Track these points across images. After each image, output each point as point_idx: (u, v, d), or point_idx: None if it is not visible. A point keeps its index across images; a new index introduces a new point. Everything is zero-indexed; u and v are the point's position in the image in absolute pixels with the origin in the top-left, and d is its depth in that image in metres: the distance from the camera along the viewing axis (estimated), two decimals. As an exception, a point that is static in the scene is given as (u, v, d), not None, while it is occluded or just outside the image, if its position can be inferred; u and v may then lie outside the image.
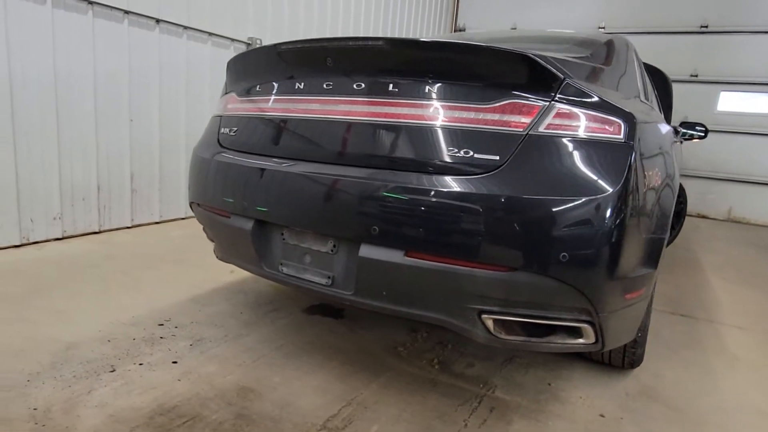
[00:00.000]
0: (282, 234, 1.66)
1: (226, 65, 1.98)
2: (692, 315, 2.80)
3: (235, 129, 1.84)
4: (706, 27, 6.97)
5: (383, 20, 6.64)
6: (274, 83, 1.72)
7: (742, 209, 6.93)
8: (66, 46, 3.04)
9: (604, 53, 1.91)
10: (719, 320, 2.75)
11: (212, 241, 2.06)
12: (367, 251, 1.42)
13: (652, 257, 1.54)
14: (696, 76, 7.05)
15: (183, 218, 4.08)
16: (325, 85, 1.57)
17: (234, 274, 2.85)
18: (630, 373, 2.02)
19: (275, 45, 1.67)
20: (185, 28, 3.77)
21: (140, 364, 1.78)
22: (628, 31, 7.43)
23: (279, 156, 1.63)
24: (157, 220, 3.85)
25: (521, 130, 1.33)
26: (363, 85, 1.50)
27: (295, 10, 4.93)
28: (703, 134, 3.77)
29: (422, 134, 1.40)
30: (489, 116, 1.35)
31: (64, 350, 1.83)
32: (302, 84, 1.63)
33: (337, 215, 1.47)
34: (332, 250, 1.55)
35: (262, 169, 1.62)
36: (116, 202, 3.52)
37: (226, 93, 2.01)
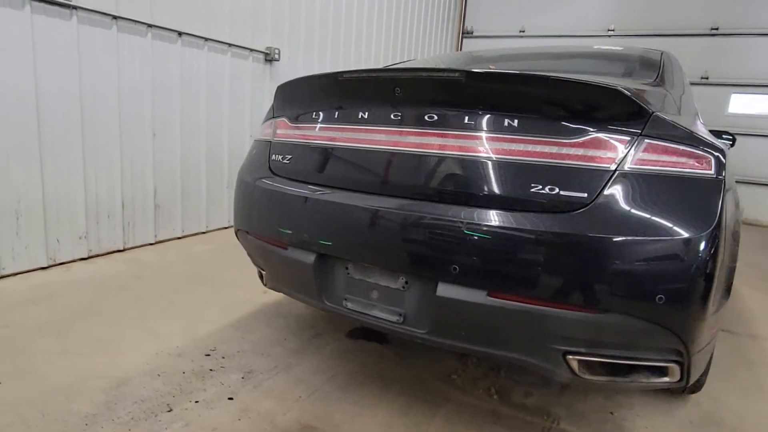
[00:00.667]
0: (346, 268, 1.61)
1: (275, 90, 1.93)
2: (732, 330, 2.77)
3: (290, 156, 1.79)
4: (717, 29, 6.96)
5: (395, 26, 6.59)
6: (334, 111, 1.67)
7: (756, 211, 6.93)
8: (91, 61, 2.97)
9: (661, 72, 1.87)
10: (761, 335, 2.72)
11: (261, 269, 2.00)
12: (445, 290, 1.38)
13: (728, 288, 1.51)
14: (707, 78, 7.04)
15: (204, 232, 4.02)
16: (392, 116, 1.52)
17: (268, 294, 2.80)
18: (689, 399, 1.99)
19: (338, 73, 1.61)
20: (206, 40, 3.71)
21: (196, 402, 1.72)
22: (637, 34, 7.42)
23: (343, 187, 1.58)
24: (180, 236, 3.79)
25: (609, 166, 1.29)
26: (436, 117, 1.45)
27: (312, 18, 4.87)
28: (731, 143, 3.74)
29: (503, 169, 1.35)
30: (574, 151, 1.31)
31: (116, 387, 1.78)
32: (366, 113, 1.58)
33: (411, 252, 1.42)
34: (404, 287, 1.50)
35: (326, 201, 1.56)
36: (140, 219, 3.45)
37: (274, 118, 1.96)
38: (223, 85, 3.97)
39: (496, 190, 1.36)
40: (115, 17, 3.05)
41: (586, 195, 1.28)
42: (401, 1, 6.49)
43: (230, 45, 3.94)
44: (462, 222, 1.34)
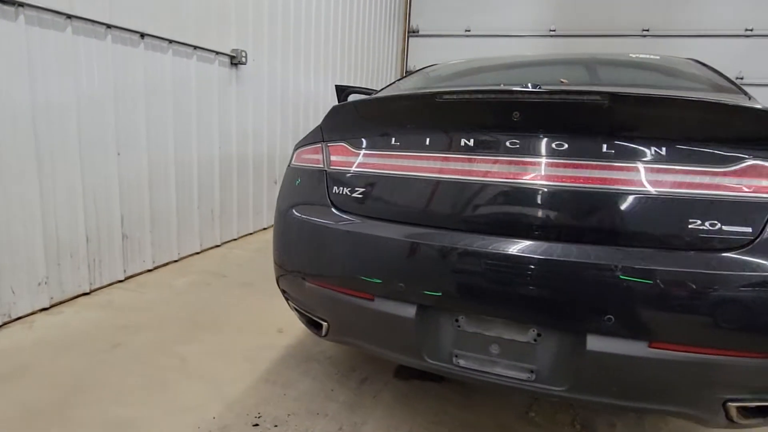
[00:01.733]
0: (456, 320, 1.39)
1: (331, 111, 1.65)
2: None
3: (363, 190, 1.52)
4: (648, 30, 7.44)
5: (350, 27, 6.32)
6: (425, 138, 1.43)
7: None
8: (43, 69, 2.44)
9: (733, 84, 1.83)
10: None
11: (319, 319, 1.70)
12: (596, 344, 1.21)
13: None
14: (641, 77, 7.51)
15: (176, 260, 3.54)
16: (508, 144, 1.32)
17: (284, 333, 2.48)
18: None
19: (435, 94, 1.38)
20: (170, 42, 3.24)
21: (274, 493, 1.42)
22: (576, 34, 7.75)
23: (451, 228, 1.36)
24: (151, 267, 3.30)
25: (771, 195, 1.19)
26: (566, 146, 1.27)
27: (275, 19, 4.49)
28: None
29: (654, 203, 1.21)
30: (732, 181, 1.19)
31: (164, 488, 1.42)
32: (471, 140, 1.36)
33: (548, 302, 1.24)
34: (535, 340, 1.31)
35: (433, 246, 1.33)
36: (107, 253, 2.94)
37: (324, 142, 1.68)
38: (190, 92, 3.50)
39: (649, 227, 1.21)
40: (69, 17, 2.53)
41: (750, 230, 1.17)
42: (349, 5, 6.22)
43: (195, 48, 3.48)
44: (615, 266, 1.18)
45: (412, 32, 8.62)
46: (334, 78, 5.96)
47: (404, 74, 8.67)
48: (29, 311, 2.50)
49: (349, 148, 1.60)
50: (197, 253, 3.76)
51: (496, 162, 1.32)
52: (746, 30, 7.04)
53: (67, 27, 2.54)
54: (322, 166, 1.66)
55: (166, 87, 3.27)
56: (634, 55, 2.37)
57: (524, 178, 1.29)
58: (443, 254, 1.32)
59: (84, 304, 2.70)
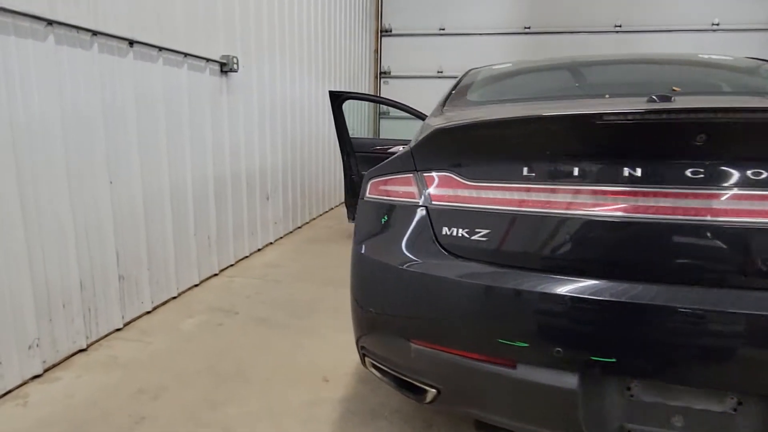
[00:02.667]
0: (629, 389, 1.14)
1: (432, 134, 1.36)
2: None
3: (486, 230, 1.25)
4: (620, 26, 7.53)
5: (329, 29, 5.98)
6: (574, 167, 1.18)
7: None
8: (21, 84, 2.01)
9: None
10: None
11: (428, 386, 1.41)
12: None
13: None
14: (615, 72, 7.59)
15: (175, 297, 3.12)
16: (689, 173, 1.08)
17: (331, 382, 2.17)
18: None
19: (593, 115, 1.13)
20: (160, 49, 2.82)
21: None
22: (550, 31, 7.74)
23: (623, 278, 1.11)
24: (150, 309, 2.87)
25: None
26: (765, 174, 1.05)
27: (260, 21, 4.10)
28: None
29: None
30: None
31: None
32: (638, 170, 1.12)
33: (761, 364, 1.02)
34: (734, 410, 1.09)
35: (607, 302, 1.08)
36: (102, 300, 2.51)
37: (419, 171, 1.39)
38: (182, 105, 3.09)
39: None
40: (50, 23, 2.10)
41: None
42: (324, 4, 5.87)
43: (186, 55, 3.07)
44: None
45: (384, 32, 8.35)
46: (315, 81, 5.62)
47: (379, 75, 8.41)
48: (20, 382, 2.05)
49: (459, 179, 1.32)
50: (196, 285, 3.35)
51: (676, 196, 1.09)
52: (713, 24, 7.26)
53: (48, 35, 2.10)
54: (418, 200, 1.38)
55: (157, 100, 2.85)
56: (705, 56, 2.21)
57: (716, 216, 1.06)
58: (621, 312, 1.07)
59: (84, 365, 2.27)
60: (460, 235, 1.29)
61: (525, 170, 1.23)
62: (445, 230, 1.31)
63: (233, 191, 3.82)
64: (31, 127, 2.05)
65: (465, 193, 1.30)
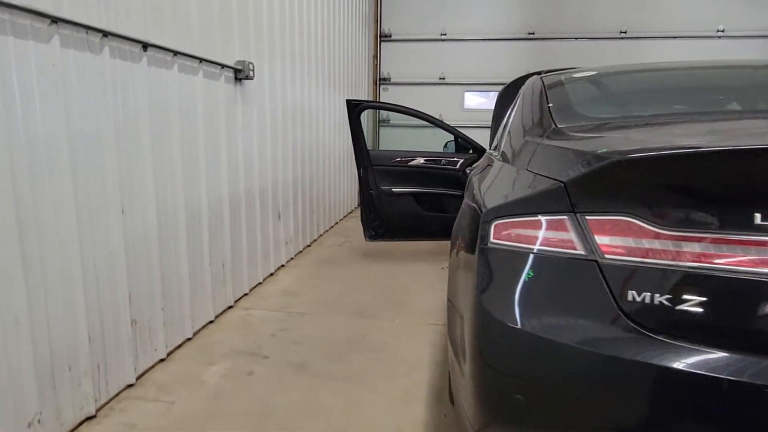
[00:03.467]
0: None
1: (613, 165, 1.03)
2: None
3: (699, 298, 0.92)
4: (625, 32, 7.39)
5: (332, 34, 5.64)
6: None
7: None
8: (23, 95, 1.60)
9: None
10: None
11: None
12: None
13: None
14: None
15: (190, 338, 2.71)
16: None
17: (402, 451, 1.81)
18: None
19: None
20: (175, 54, 2.43)
21: None
22: (555, 37, 7.55)
23: None
24: (164, 356, 2.46)
25: None
26: None
27: (272, 24, 3.74)
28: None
29: None
30: None
31: None
32: None
33: None
34: None
35: None
36: (113, 351, 2.10)
37: (577, 213, 1.06)
38: (196, 116, 2.70)
39: None
40: (54, 20, 1.70)
41: None
42: (327, 6, 5.53)
43: (201, 60, 2.68)
44: None
45: (383, 37, 8.04)
46: (320, 88, 5.26)
47: (378, 81, 8.08)
48: (19, 470, 1.63)
49: (648, 225, 0.99)
50: (211, 322, 2.94)
51: None
52: (718, 31, 7.18)
53: (53, 36, 1.70)
54: (581, 251, 1.04)
55: (171, 113, 2.45)
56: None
57: None
58: None
59: (95, 438, 1.86)
60: (656, 303, 0.96)
61: (759, 218, 0.90)
62: (632, 295, 0.98)
63: (247, 211, 3.43)
64: (32, 152, 1.65)
65: (658, 244, 0.98)
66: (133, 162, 2.18)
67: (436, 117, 4.27)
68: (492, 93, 7.92)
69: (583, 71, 2.18)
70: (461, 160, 4.31)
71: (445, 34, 7.85)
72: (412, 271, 4.14)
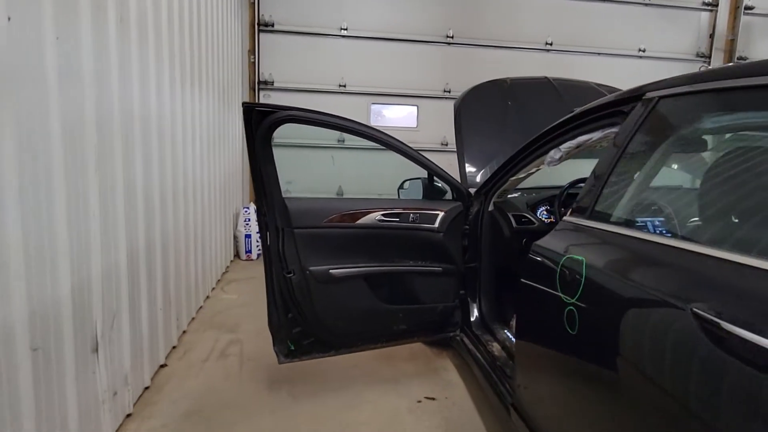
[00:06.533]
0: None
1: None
2: None
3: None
4: (551, 44, 6.47)
5: (198, 20, 3.51)
6: None
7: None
8: None
9: None
10: None
11: None
12: None
13: None
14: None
15: None
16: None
17: None
18: None
19: None
20: None
21: None
22: (477, 44, 6.33)
23: None
24: None
25: None
26: None
27: None
28: None
29: None
30: None
31: None
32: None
33: None
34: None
35: None
36: None
37: None
38: None
39: None
40: None
41: None
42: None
43: None
44: None
45: (263, 25, 5.99)
46: (179, 90, 3.11)
47: (257, 85, 5.99)
48: None
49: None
50: None
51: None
52: (639, 50, 6.65)
53: None
54: None
55: None
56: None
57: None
58: None
59: None
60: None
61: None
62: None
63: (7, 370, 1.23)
64: None
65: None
66: None
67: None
68: (408, 107, 6.39)
69: None
70: (441, 213, 2.58)
71: (345, 29, 6.10)
72: (374, 417, 2.26)
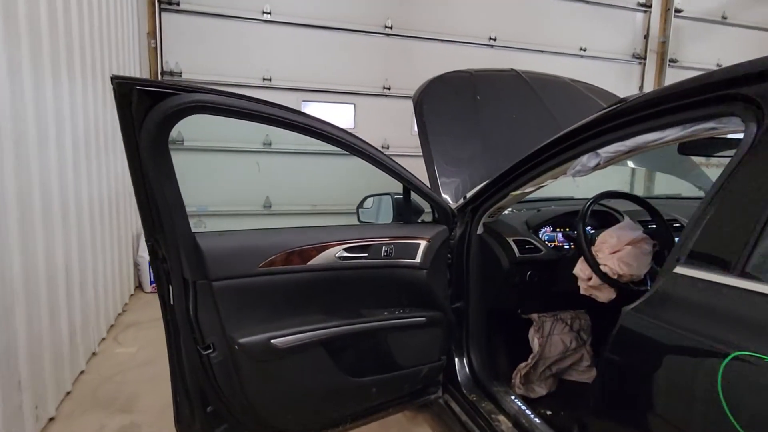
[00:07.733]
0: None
1: None
2: None
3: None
4: (495, 39, 6.04)
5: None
6: None
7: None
8: None
9: None
10: None
11: None
12: None
13: None
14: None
15: None
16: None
17: None
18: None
19: None
20: None
21: None
22: (417, 36, 5.73)
23: None
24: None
25: None
26: None
27: None
28: None
29: None
30: None
31: None
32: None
33: None
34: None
35: None
36: None
37: None
38: None
39: None
40: None
41: None
42: None
43: None
44: None
45: (166, 3, 4.93)
46: (41, 77, 2.14)
47: (161, 76, 4.94)
48: None
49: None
50: None
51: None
52: (580, 49, 6.43)
53: None
54: None
55: None
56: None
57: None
58: None
59: None
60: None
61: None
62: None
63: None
64: None
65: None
66: None
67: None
68: (345, 105, 5.63)
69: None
70: (424, 243, 1.86)
71: (269, 13, 5.21)
72: None
